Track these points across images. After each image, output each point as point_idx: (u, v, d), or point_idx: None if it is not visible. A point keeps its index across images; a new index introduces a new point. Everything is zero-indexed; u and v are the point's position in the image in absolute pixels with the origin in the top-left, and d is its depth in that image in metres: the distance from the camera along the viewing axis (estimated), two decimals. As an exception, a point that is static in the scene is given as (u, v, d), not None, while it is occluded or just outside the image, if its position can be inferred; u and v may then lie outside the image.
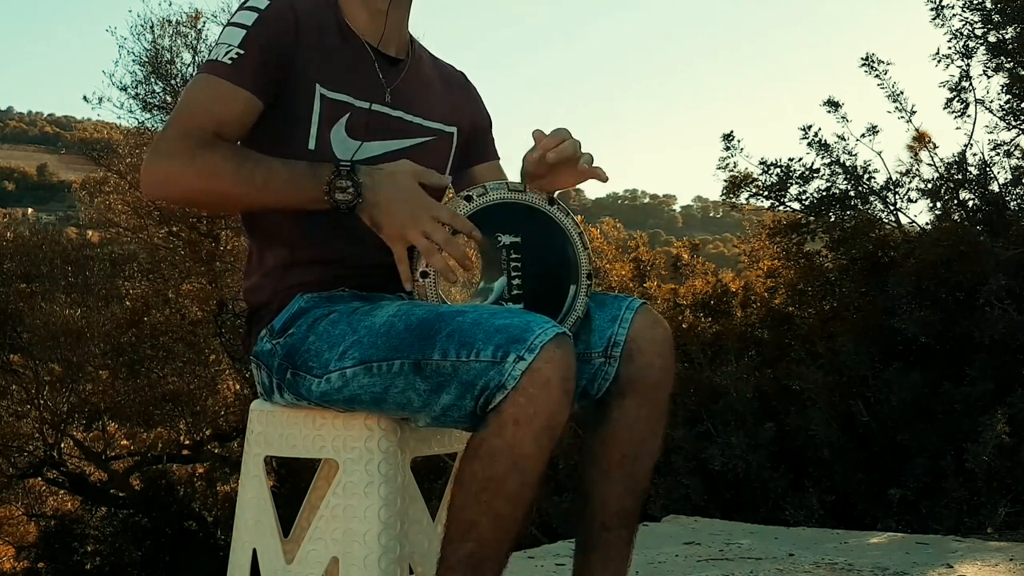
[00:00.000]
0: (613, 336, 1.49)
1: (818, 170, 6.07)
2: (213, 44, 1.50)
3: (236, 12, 1.50)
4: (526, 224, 1.48)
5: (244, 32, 1.46)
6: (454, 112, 1.70)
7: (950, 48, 5.74)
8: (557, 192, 1.54)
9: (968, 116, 5.74)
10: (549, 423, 1.25)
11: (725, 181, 6.38)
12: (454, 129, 1.69)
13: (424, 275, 1.44)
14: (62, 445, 9.61)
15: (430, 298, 1.44)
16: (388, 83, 1.58)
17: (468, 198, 1.47)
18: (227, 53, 1.45)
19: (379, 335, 1.37)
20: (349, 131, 1.54)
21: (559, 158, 1.45)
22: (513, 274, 1.48)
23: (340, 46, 1.55)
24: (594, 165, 1.49)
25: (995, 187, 5.69)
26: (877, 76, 5.85)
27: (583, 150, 1.47)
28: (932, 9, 5.77)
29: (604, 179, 1.49)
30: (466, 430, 1.32)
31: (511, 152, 1.61)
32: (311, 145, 1.51)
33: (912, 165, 5.96)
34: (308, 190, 1.39)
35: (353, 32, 1.57)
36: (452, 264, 1.37)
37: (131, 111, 9.05)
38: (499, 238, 1.49)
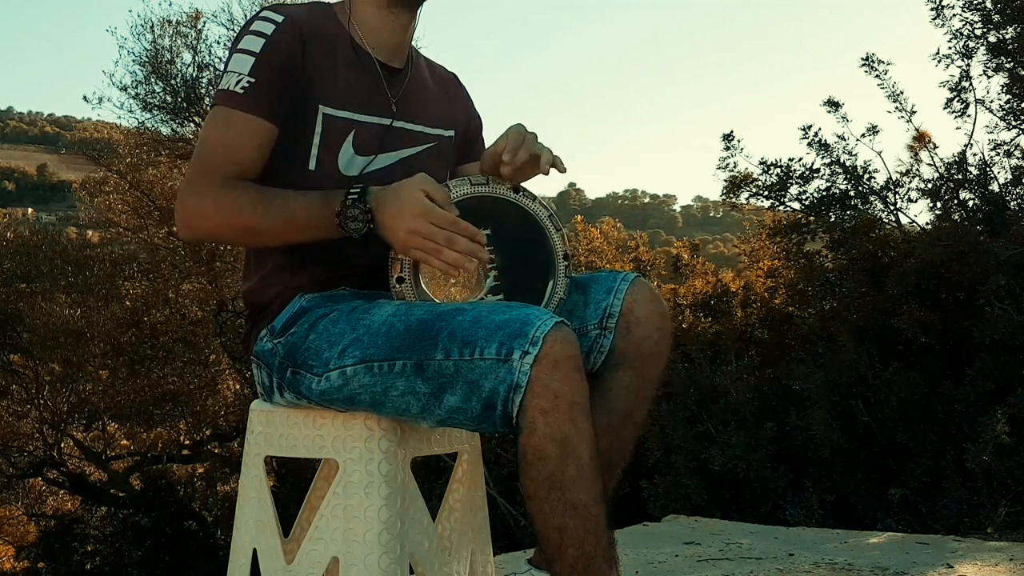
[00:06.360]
0: (608, 307, 1.49)
1: (818, 170, 6.08)
2: (222, 71, 1.50)
3: (242, 37, 1.49)
4: (495, 215, 1.47)
5: (253, 59, 1.46)
6: (451, 116, 1.72)
7: (950, 48, 5.76)
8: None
9: (968, 116, 5.76)
10: (574, 399, 1.25)
11: (725, 181, 6.40)
12: (452, 132, 1.71)
13: (400, 280, 1.44)
14: (62, 445, 9.60)
15: (409, 301, 1.44)
16: (393, 95, 1.59)
17: None
18: (238, 82, 1.45)
19: (379, 335, 1.37)
20: (356, 147, 1.54)
21: (514, 171, 1.44)
22: (489, 266, 1.48)
23: (347, 63, 1.55)
24: (553, 156, 1.46)
25: (995, 187, 5.69)
26: (877, 76, 5.86)
27: (542, 143, 1.46)
28: (932, 9, 5.79)
29: (563, 170, 1.48)
30: (473, 430, 1.32)
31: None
32: (311, 165, 1.51)
33: (912, 165, 5.97)
34: (324, 221, 1.40)
35: (361, 47, 1.57)
36: (458, 259, 1.34)
37: (131, 111, 9.03)
38: None
